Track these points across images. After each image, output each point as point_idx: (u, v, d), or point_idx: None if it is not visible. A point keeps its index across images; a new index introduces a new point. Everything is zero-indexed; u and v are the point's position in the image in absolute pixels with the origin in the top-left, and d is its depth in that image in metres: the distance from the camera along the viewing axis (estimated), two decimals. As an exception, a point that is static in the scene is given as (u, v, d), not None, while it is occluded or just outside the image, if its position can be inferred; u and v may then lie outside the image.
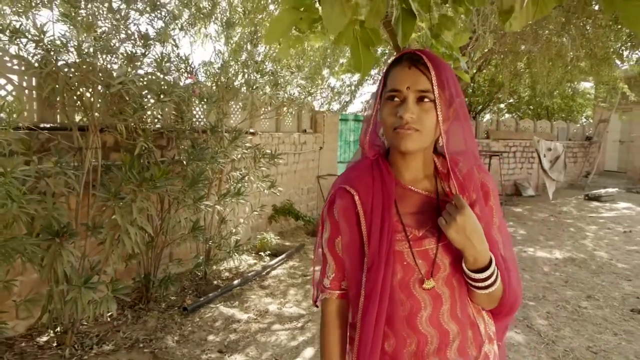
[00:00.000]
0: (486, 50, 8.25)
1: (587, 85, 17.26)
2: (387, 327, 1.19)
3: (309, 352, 3.64)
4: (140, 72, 3.65)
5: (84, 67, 3.07)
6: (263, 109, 6.32)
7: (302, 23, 1.38)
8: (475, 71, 10.81)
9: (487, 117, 17.38)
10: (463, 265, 1.17)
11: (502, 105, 19.10)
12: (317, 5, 1.34)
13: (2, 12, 3.75)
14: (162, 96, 3.27)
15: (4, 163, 2.53)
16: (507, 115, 18.81)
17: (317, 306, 1.40)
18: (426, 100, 1.14)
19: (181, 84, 4.33)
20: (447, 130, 1.20)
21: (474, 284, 1.17)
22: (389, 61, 1.16)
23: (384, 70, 1.25)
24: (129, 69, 3.12)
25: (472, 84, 13.58)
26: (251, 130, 6.35)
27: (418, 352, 1.19)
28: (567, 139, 15.03)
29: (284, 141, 7.60)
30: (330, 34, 1.34)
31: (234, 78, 5.12)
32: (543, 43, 7.47)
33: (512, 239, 7.45)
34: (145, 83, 3.26)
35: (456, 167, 1.24)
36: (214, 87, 4.98)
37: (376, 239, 1.19)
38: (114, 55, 3.30)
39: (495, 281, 1.16)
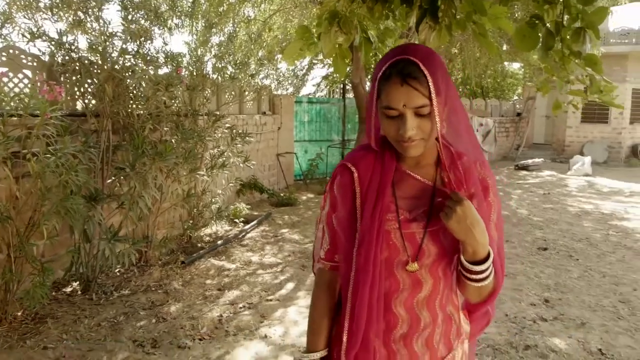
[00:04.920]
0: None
1: (516, 66, 18.84)
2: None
3: (290, 285, 4.62)
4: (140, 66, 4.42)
5: (106, 66, 3.84)
6: (231, 95, 7.13)
7: (305, 46, 2.30)
8: None
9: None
10: (461, 256, 1.21)
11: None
12: (314, 37, 2.26)
13: (14, 17, 4.41)
14: (169, 87, 4.09)
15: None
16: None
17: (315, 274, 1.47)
18: (424, 113, 1.15)
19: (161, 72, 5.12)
20: (445, 119, 1.22)
21: (469, 275, 1.20)
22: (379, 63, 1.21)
23: (375, 73, 1.21)
24: (143, 66, 3.91)
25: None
26: (217, 113, 7.16)
27: (387, 332, 1.24)
28: (499, 115, 16.53)
29: (247, 122, 8.43)
30: (323, 51, 2.27)
31: (207, 68, 5.93)
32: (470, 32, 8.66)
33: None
34: (154, 77, 4.06)
35: (459, 160, 1.27)
36: (188, 75, 5.74)
37: (368, 216, 1.22)
38: (125, 54, 4.08)
39: (489, 275, 1.20)
